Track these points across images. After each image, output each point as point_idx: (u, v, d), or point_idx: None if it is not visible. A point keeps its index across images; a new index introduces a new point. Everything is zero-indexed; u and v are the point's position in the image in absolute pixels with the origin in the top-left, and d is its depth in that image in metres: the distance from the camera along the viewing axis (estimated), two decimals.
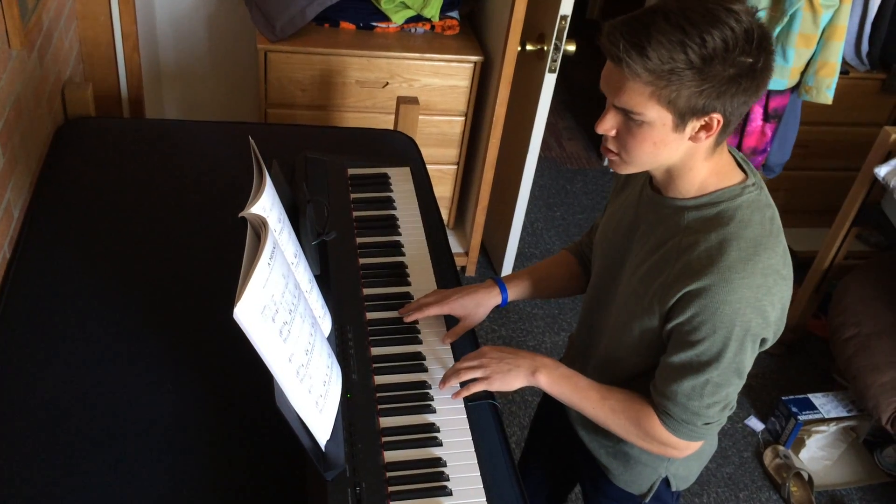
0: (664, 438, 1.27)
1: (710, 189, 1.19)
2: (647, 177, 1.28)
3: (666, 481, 1.45)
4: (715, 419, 1.24)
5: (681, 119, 1.09)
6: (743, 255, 1.13)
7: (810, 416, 2.58)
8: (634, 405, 1.29)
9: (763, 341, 1.20)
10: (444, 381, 1.36)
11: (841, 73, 2.71)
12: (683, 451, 1.29)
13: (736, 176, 1.20)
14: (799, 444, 2.62)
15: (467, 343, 1.50)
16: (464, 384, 1.34)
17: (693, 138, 1.12)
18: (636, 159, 1.16)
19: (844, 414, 2.61)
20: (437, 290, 1.52)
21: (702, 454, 1.47)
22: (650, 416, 1.27)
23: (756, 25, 1.05)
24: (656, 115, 1.09)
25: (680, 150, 1.14)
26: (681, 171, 1.18)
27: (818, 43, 2.59)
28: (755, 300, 1.13)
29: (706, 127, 1.11)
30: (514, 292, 1.52)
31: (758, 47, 1.05)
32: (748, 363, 1.20)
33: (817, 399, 2.64)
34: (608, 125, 1.14)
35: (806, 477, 2.53)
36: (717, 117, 1.09)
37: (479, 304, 1.49)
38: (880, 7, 2.84)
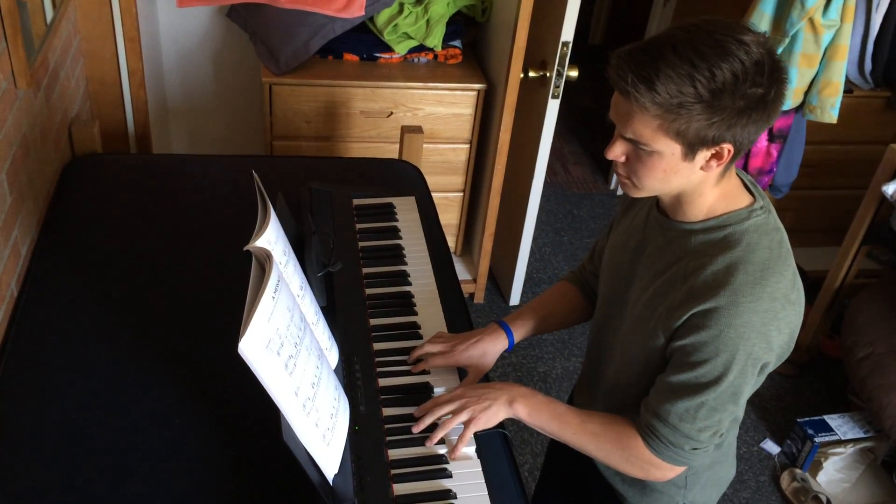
0: (647, 458, 1.24)
1: (717, 212, 1.18)
2: (654, 200, 1.28)
3: None
4: (703, 445, 1.22)
5: (690, 149, 1.09)
6: (751, 279, 1.12)
7: (827, 438, 2.55)
8: (616, 427, 1.27)
9: (764, 366, 1.18)
10: (422, 424, 1.32)
11: (845, 91, 2.71)
12: (666, 474, 1.27)
13: (744, 199, 1.20)
14: (816, 467, 2.58)
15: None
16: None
17: (704, 167, 1.12)
18: (647, 185, 1.16)
19: (861, 435, 2.58)
20: (441, 336, 1.49)
21: (720, 480, 1.44)
22: (633, 436, 1.25)
23: (767, 55, 1.05)
24: (665, 147, 1.09)
25: (692, 178, 1.14)
26: (691, 197, 1.18)
27: (821, 63, 2.59)
28: (761, 325, 1.12)
29: (717, 156, 1.10)
30: (520, 333, 1.50)
31: (769, 78, 1.05)
32: (747, 389, 1.19)
33: (833, 420, 2.61)
34: (617, 152, 1.14)
35: (824, 500, 2.49)
36: (727, 147, 1.09)
37: (485, 353, 1.45)
38: (882, 25, 2.85)
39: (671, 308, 1.18)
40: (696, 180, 1.14)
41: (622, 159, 1.15)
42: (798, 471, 2.58)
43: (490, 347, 1.46)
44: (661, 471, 1.26)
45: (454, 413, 1.30)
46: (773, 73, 1.05)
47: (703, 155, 1.10)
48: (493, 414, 1.30)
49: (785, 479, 2.58)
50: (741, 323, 1.12)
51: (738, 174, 1.23)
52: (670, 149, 1.09)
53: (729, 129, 1.06)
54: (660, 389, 1.21)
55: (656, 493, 1.40)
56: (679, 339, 1.17)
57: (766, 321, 1.12)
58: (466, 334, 1.49)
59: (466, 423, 1.30)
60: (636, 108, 1.06)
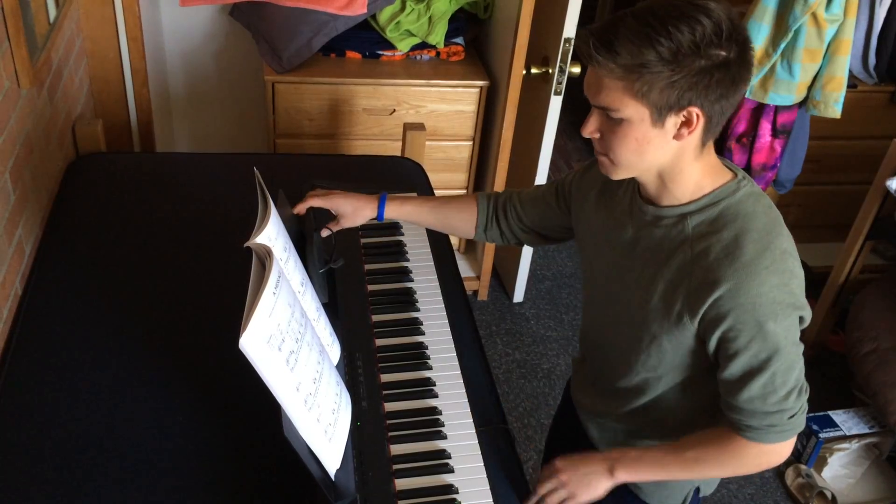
0: (758, 451, 1.23)
1: (707, 190, 1.19)
2: (632, 192, 1.27)
3: (696, 491, 1.43)
4: (796, 408, 1.20)
5: (658, 114, 1.09)
6: (759, 246, 1.14)
7: (831, 434, 2.54)
8: (712, 441, 1.26)
9: (801, 318, 1.18)
10: None
11: (849, 86, 2.70)
12: (783, 454, 1.25)
13: (727, 174, 1.21)
14: (821, 463, 2.58)
15: (475, 357, 1.50)
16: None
17: (677, 136, 1.12)
18: (623, 160, 1.16)
19: (866, 430, 2.57)
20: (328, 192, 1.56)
21: None
22: (733, 439, 1.23)
23: (726, 18, 1.06)
24: (633, 112, 1.10)
25: (667, 151, 1.14)
26: (672, 174, 1.18)
27: (824, 57, 2.58)
28: (783, 284, 1.14)
29: (687, 123, 1.11)
30: (394, 212, 1.56)
31: (728, 39, 1.06)
32: (798, 337, 1.19)
33: (838, 416, 2.60)
34: (591, 127, 1.16)
35: (829, 496, 2.48)
36: (695, 111, 1.09)
37: (356, 209, 1.54)
38: (886, 20, 2.84)
39: (690, 293, 1.17)
40: (672, 153, 1.14)
41: (597, 135, 1.17)
42: (803, 467, 2.58)
43: (362, 206, 1.54)
44: (777, 453, 1.24)
45: (555, 492, 1.31)
46: (731, 34, 1.06)
47: (673, 121, 1.10)
48: (594, 485, 1.30)
49: (790, 475, 2.58)
50: (766, 290, 1.12)
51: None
52: (639, 114, 1.09)
53: (691, 88, 1.07)
54: (727, 386, 1.21)
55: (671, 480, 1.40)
56: (714, 330, 1.17)
57: (786, 280, 1.14)
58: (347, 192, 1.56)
59: (568, 499, 1.31)
60: (602, 73, 1.09)
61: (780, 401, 1.19)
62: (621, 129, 1.12)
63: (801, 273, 1.18)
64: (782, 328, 1.15)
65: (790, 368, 1.18)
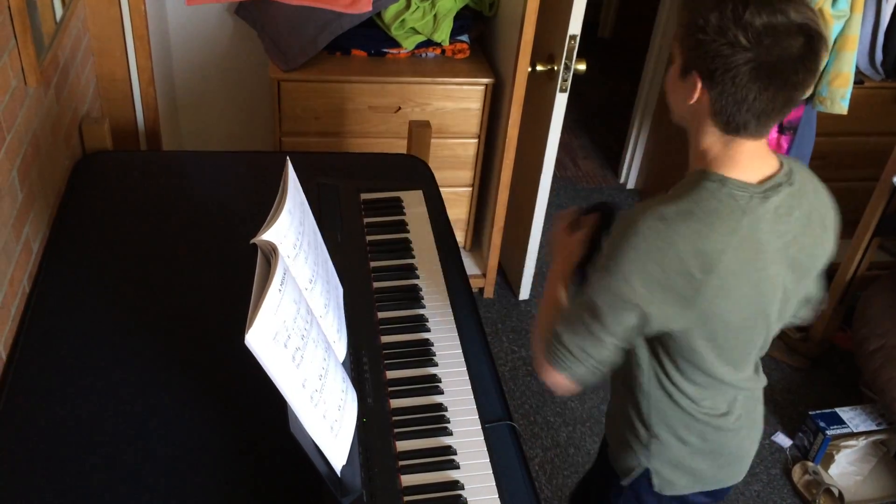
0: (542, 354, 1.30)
1: (695, 167, 1.24)
2: None
3: (648, 479, 1.40)
4: (562, 349, 1.23)
5: (683, 69, 1.18)
6: (645, 205, 1.19)
7: (839, 431, 2.54)
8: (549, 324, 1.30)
9: (646, 316, 1.18)
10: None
11: (856, 82, 2.68)
12: (542, 374, 1.29)
13: (730, 169, 1.19)
14: (828, 460, 2.57)
15: (480, 354, 1.51)
16: None
17: (689, 97, 1.18)
18: (667, 97, 1.26)
19: (874, 427, 2.56)
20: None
21: (697, 472, 1.40)
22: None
23: (766, 22, 1.07)
24: (677, 55, 1.19)
25: (685, 108, 1.21)
26: (690, 135, 1.25)
27: (830, 53, 2.57)
28: (639, 250, 1.16)
29: (693, 88, 1.16)
30: None
31: (745, 28, 1.08)
32: (607, 317, 1.19)
33: (845, 413, 2.60)
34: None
35: (836, 493, 2.48)
36: (697, 78, 1.15)
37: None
38: (893, 16, 2.83)
39: None
40: (689, 113, 1.21)
41: None
42: (810, 464, 2.57)
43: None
44: (541, 368, 1.29)
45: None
46: (764, 40, 1.08)
47: (689, 82, 1.17)
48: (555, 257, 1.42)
49: (797, 472, 2.57)
50: (618, 241, 1.18)
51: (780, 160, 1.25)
52: (677, 61, 1.19)
53: (694, 49, 1.14)
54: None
55: (626, 446, 1.42)
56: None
57: (648, 250, 1.16)
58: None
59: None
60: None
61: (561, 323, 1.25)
62: (670, 68, 1.23)
63: (674, 270, 1.16)
64: (598, 283, 1.19)
65: (577, 317, 1.22)
